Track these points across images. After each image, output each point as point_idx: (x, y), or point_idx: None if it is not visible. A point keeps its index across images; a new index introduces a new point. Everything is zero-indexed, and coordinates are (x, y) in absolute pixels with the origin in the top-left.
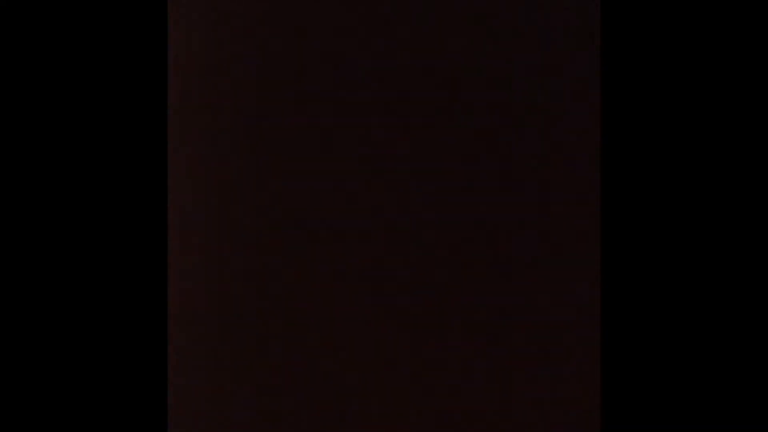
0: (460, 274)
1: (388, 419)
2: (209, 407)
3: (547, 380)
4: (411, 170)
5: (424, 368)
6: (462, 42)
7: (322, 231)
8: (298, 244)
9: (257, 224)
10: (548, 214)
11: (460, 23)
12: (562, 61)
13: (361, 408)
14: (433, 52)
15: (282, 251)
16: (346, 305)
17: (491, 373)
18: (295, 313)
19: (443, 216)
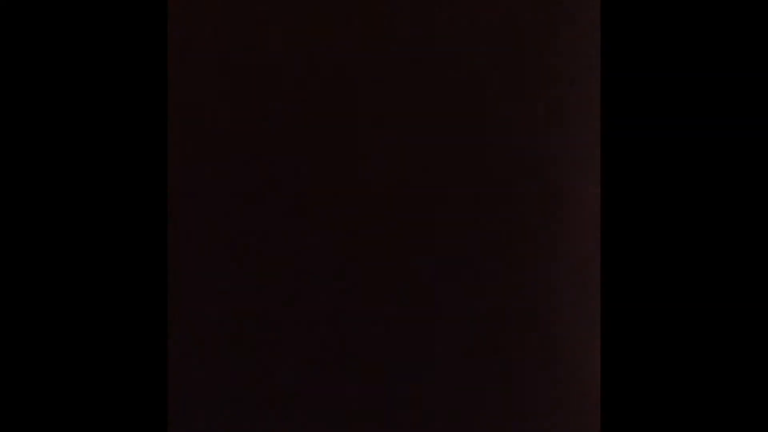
0: (460, 275)
1: (387, 419)
2: (209, 407)
3: (546, 381)
4: (411, 169)
5: (425, 368)
6: (461, 41)
7: (323, 230)
8: (298, 243)
9: (257, 223)
10: (548, 213)
11: (459, 22)
12: (562, 60)
13: (360, 408)
14: (432, 52)
15: (282, 251)
16: (347, 305)
17: (490, 374)
18: (296, 313)
19: (443, 216)
